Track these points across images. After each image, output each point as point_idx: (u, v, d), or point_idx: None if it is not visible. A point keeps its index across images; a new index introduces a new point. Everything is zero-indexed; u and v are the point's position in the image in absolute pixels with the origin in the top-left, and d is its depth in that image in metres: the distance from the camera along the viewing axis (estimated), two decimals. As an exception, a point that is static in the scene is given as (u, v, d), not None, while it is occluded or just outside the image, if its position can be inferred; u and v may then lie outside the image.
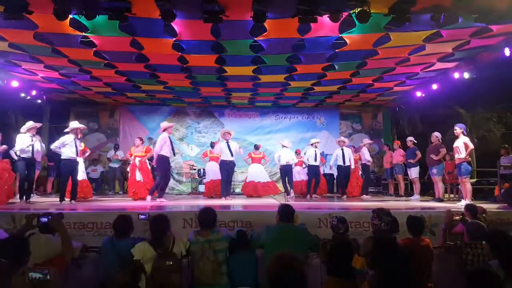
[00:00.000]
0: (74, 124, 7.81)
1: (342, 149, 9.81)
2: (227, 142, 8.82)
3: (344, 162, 9.69)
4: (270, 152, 12.53)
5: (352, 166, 9.85)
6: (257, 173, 10.39)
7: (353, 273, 3.47)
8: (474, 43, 7.33)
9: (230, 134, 9.01)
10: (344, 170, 9.80)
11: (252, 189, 10.20)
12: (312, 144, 10.13)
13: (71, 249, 3.25)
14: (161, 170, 8.01)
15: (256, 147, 10.99)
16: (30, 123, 7.88)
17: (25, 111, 13.18)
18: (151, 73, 9.22)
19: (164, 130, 8.13)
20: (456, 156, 7.53)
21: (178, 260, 3.57)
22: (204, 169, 11.53)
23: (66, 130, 7.71)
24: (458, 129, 7.63)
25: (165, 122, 8.50)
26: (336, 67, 8.75)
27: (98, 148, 12.87)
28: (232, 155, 8.77)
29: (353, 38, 7.00)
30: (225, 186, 8.89)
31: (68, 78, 9.73)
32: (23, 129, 7.88)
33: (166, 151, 7.97)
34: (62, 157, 7.44)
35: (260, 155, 10.69)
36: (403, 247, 3.62)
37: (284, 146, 10.27)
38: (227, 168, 8.81)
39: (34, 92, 10.69)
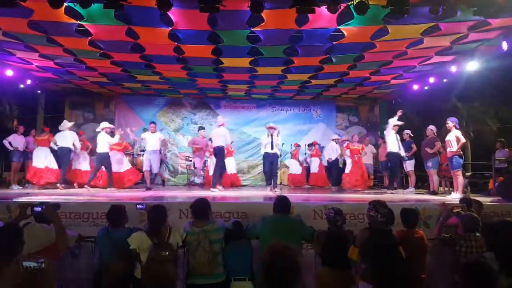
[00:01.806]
0: (105, 124, 9.43)
1: (396, 134, 8.87)
2: (271, 136, 9.45)
3: (399, 148, 8.84)
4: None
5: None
6: (232, 165, 10.91)
7: (347, 264, 3.50)
8: (472, 37, 7.32)
9: (274, 129, 9.57)
10: (398, 157, 8.88)
11: (230, 180, 10.68)
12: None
13: (65, 239, 3.24)
14: (222, 160, 9.08)
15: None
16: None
17: (19, 100, 13.09)
18: (147, 64, 9.14)
19: (221, 125, 9.18)
20: (448, 149, 7.58)
21: (174, 251, 3.58)
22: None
23: (103, 128, 9.20)
24: (450, 123, 7.67)
25: (221, 117, 9.73)
26: (334, 60, 8.71)
27: (94, 138, 12.77)
28: (272, 148, 9.42)
29: (351, 30, 6.95)
30: (269, 177, 9.68)
31: (63, 67, 9.63)
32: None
33: (223, 143, 9.02)
34: (103, 151, 9.03)
35: (232, 149, 11.15)
36: (398, 238, 3.64)
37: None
38: (270, 160, 9.46)
39: (29, 81, 10.57)
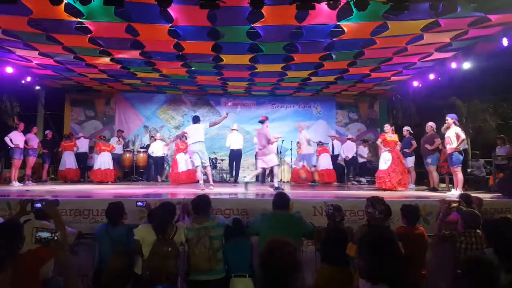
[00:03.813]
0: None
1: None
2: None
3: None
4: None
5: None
6: (187, 162, 10.83)
7: (347, 260, 3.50)
8: (472, 33, 7.29)
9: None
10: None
11: (185, 177, 10.61)
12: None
13: (65, 236, 3.25)
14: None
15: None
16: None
17: (20, 97, 13.09)
18: (147, 61, 9.13)
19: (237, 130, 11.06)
20: (448, 146, 7.56)
21: (177, 248, 3.59)
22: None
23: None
24: (449, 119, 7.64)
25: (236, 124, 11.02)
26: (334, 56, 8.69)
27: (94, 135, 12.78)
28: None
29: (351, 27, 6.93)
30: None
31: (63, 65, 9.61)
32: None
33: (241, 146, 11.08)
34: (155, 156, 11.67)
35: (182, 146, 11.07)
36: (398, 235, 3.64)
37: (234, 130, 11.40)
38: None
39: (29, 79, 10.56)
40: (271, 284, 1.89)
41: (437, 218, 4.74)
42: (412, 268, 3.62)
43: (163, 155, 11.81)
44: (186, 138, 10.92)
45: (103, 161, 10.91)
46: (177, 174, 10.66)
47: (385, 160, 8.65)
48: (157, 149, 11.67)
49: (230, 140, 11.13)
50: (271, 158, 8.10)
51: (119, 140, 11.95)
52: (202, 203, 3.90)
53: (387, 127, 9.11)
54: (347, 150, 11.81)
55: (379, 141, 8.98)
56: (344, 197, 6.52)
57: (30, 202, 3.39)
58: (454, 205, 4.41)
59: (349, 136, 12.22)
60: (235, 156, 11.01)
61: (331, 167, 11.41)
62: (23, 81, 10.49)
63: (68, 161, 10.99)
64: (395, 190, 8.16)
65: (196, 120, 8.44)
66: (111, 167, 11.03)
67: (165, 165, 12.32)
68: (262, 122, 8.37)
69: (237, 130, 11.03)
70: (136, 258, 3.49)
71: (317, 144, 11.90)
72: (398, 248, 2.98)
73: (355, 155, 11.76)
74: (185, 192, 7.13)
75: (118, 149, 11.83)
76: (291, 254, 1.89)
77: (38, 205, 3.35)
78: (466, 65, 8.59)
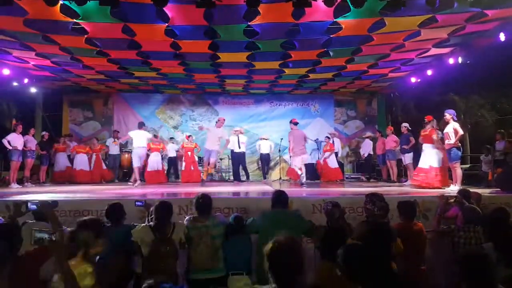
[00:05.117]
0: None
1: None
2: (238, 136, 11.00)
3: None
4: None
5: None
6: (158, 162, 10.90)
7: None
8: (469, 28, 7.29)
9: (241, 132, 11.38)
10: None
11: (155, 177, 10.60)
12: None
13: (63, 236, 3.24)
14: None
15: (155, 136, 11.63)
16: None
17: (17, 99, 13.05)
18: (144, 61, 9.11)
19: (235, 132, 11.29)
20: (446, 142, 7.55)
21: (176, 246, 3.58)
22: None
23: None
24: (447, 115, 7.63)
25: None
26: (331, 53, 8.68)
27: (93, 136, 12.75)
28: (239, 147, 10.98)
29: (348, 23, 6.93)
30: (238, 173, 11.20)
31: (60, 66, 9.59)
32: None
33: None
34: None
35: (159, 146, 11.22)
36: (397, 231, 3.65)
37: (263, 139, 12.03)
38: (237, 158, 11.09)
39: (26, 80, 10.54)
40: (281, 283, 1.90)
41: (435, 213, 4.74)
42: (411, 264, 3.62)
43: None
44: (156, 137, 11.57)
45: (76, 162, 11.08)
46: (148, 173, 10.59)
47: (439, 158, 7.87)
48: (171, 151, 11.94)
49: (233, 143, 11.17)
50: (307, 156, 9.41)
51: (115, 140, 11.90)
52: (205, 202, 3.90)
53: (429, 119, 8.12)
54: (365, 148, 11.85)
55: (434, 136, 7.92)
56: (344, 194, 6.53)
57: (25, 203, 3.38)
58: (452, 200, 4.42)
59: (367, 134, 12.26)
60: (239, 158, 11.24)
61: (337, 165, 11.51)
62: (19, 84, 10.47)
63: (60, 162, 11.13)
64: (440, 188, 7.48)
65: (141, 126, 9.68)
66: (84, 168, 11.08)
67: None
68: (296, 124, 9.18)
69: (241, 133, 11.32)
70: (136, 257, 3.50)
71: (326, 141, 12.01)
72: (398, 244, 2.98)
73: (371, 153, 11.77)
74: (186, 192, 7.13)
75: (116, 150, 11.80)
76: (298, 252, 1.91)
77: (33, 206, 3.33)
78: (464, 61, 8.59)
